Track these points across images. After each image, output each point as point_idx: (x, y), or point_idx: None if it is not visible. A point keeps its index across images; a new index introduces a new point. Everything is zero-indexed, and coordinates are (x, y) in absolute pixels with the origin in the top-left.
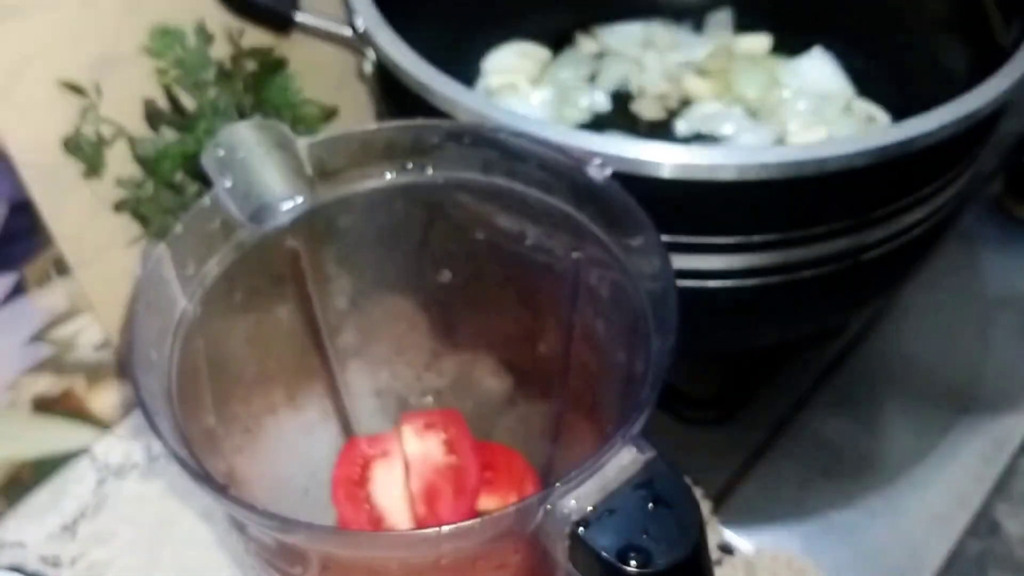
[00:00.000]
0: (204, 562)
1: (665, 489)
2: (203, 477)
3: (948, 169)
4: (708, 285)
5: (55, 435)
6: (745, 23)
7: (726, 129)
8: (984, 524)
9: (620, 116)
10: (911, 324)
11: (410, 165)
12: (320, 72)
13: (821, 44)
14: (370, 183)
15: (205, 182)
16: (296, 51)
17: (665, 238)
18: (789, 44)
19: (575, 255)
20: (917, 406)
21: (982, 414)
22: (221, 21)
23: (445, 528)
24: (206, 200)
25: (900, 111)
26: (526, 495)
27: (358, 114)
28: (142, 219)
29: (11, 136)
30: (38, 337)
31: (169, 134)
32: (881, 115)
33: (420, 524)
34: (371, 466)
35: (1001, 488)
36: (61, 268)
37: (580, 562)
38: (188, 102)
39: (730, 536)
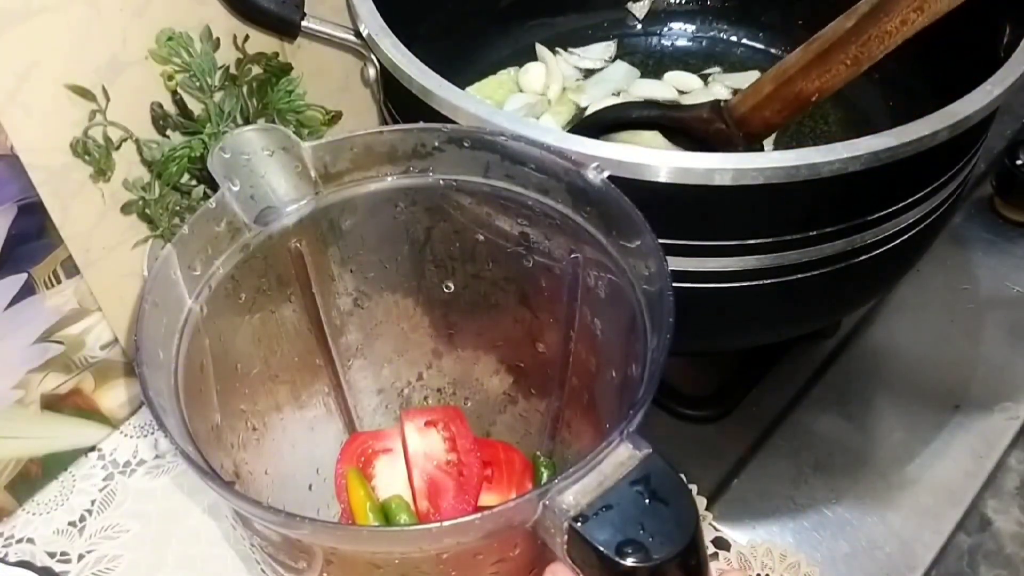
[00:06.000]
0: (210, 557)
1: (661, 485)
2: (209, 473)
3: (940, 173)
4: (703, 287)
5: (63, 432)
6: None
7: None
8: (974, 520)
9: None
10: (903, 323)
11: (412, 168)
12: (324, 77)
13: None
14: (373, 185)
15: (211, 185)
16: (300, 56)
17: (661, 240)
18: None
19: (574, 256)
20: (908, 404)
21: (972, 412)
22: (226, 26)
23: (446, 523)
24: (212, 202)
25: (894, 117)
26: (525, 491)
27: (361, 118)
28: (149, 221)
29: (20, 139)
30: (47, 336)
31: (176, 137)
32: None
33: (422, 519)
34: (374, 462)
35: (991, 484)
36: (69, 269)
37: (578, 556)
38: (194, 106)
39: (725, 531)
